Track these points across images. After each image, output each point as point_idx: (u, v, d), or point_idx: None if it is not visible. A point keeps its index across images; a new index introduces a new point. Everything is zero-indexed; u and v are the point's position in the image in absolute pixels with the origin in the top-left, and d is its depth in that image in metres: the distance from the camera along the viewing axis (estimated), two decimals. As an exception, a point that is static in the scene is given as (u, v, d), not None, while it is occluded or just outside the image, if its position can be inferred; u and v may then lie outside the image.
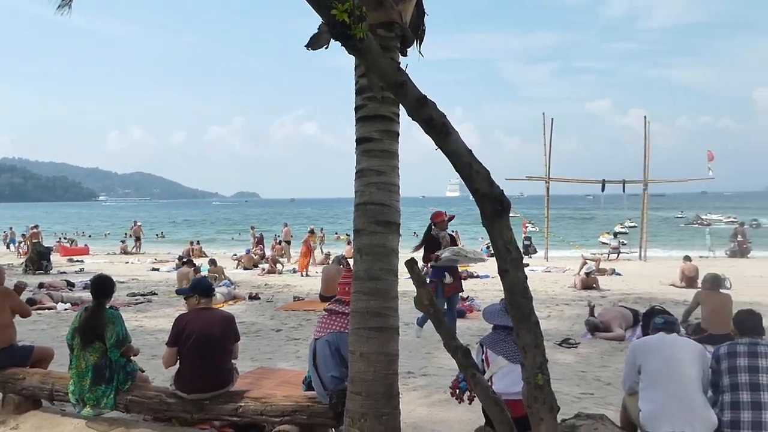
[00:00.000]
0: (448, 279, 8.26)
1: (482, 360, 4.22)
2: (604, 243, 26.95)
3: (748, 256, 25.78)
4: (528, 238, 27.23)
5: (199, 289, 4.79)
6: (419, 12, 4.41)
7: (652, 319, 4.60)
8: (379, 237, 3.88)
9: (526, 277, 3.00)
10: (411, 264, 3.30)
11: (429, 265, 8.49)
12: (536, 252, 25.91)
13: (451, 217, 9.01)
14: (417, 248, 8.99)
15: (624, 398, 4.40)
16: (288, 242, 26.18)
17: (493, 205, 2.85)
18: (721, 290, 8.90)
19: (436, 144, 2.78)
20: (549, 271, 18.95)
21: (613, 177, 24.67)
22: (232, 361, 4.78)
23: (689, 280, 14.66)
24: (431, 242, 8.51)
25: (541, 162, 24.10)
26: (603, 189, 24.53)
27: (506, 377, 4.03)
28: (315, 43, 3.88)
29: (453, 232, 12.63)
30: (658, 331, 4.35)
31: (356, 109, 4.06)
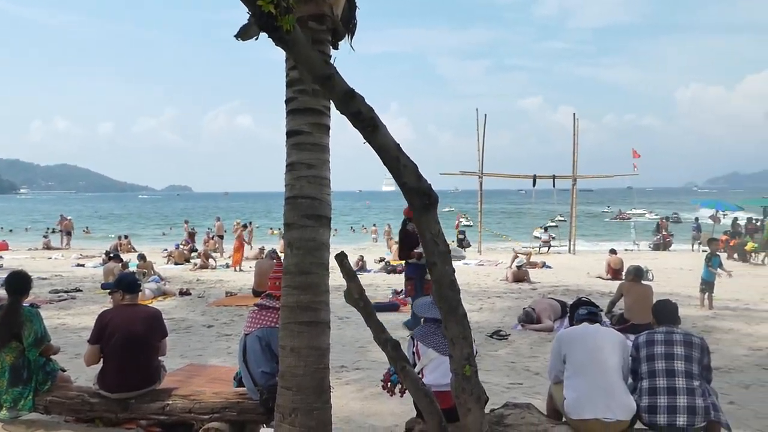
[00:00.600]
0: (428, 276, 8.01)
1: (413, 353, 4.25)
2: (537, 237, 27.64)
3: (670, 248, 26.95)
4: (462, 232, 27.61)
5: (123, 284, 4.65)
6: (351, 5, 4.39)
7: (576, 311, 4.75)
8: (309, 231, 3.85)
9: (453, 270, 3.04)
10: (341, 258, 3.30)
11: (405, 262, 8.29)
12: (470, 246, 26.32)
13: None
14: (399, 247, 8.72)
15: (550, 387, 4.51)
16: (221, 237, 25.73)
17: (421, 198, 2.87)
18: (643, 281, 9.27)
19: (364, 138, 2.78)
20: (482, 265, 19.29)
21: (544, 172, 25.30)
22: (159, 358, 4.66)
23: (615, 272, 15.22)
24: (408, 238, 8.25)
25: (475, 157, 24.50)
26: (534, 184, 25.11)
27: (437, 369, 4.08)
28: (244, 33, 3.81)
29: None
30: (582, 322, 4.49)
31: (287, 101, 4.01)
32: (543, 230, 27.42)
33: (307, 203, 3.86)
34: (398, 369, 3.37)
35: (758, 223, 26.99)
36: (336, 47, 4.26)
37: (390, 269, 16.83)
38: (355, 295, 3.30)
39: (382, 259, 18.78)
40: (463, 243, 26.55)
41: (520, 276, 14.54)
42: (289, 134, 3.96)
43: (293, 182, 3.90)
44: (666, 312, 4.53)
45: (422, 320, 4.37)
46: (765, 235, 21.94)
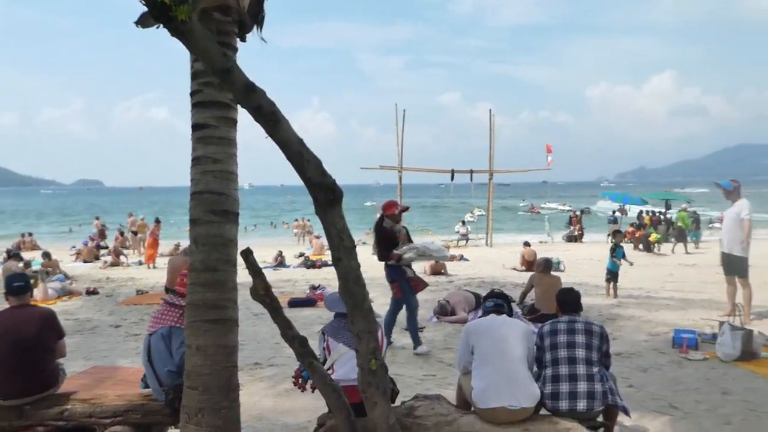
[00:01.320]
0: (410, 272, 7.48)
1: (324, 348, 4.25)
2: (456, 231, 28.17)
3: (582, 240, 28.06)
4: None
5: (6, 286, 4.42)
6: (258, -3, 4.33)
7: (484, 303, 4.87)
8: (216, 227, 3.77)
9: (359, 265, 3.05)
10: (246, 254, 3.25)
11: (384, 264, 7.59)
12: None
13: (405, 209, 8.02)
14: (375, 248, 7.85)
15: (459, 378, 4.61)
16: (134, 233, 24.88)
17: (325, 194, 2.86)
18: (553, 273, 9.61)
19: (266, 132, 2.74)
20: (401, 258, 19.49)
21: (463, 167, 25.82)
22: (58, 361, 4.45)
23: (529, 264, 15.71)
24: (386, 238, 7.53)
25: (396, 152, 24.71)
26: (452, 178, 25.57)
27: (347, 364, 4.08)
28: (144, 21, 3.68)
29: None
30: (489, 313, 4.61)
31: (191, 94, 3.91)
32: (461, 223, 27.97)
33: (213, 198, 3.78)
34: (306, 365, 3.36)
35: (661, 216, 28.51)
36: (244, 39, 4.19)
37: (309, 264, 16.76)
38: (261, 291, 3.26)
39: (301, 254, 18.66)
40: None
41: (437, 269, 14.77)
42: (195, 128, 3.87)
43: (199, 177, 3.81)
44: (569, 301, 4.71)
45: (333, 315, 4.37)
46: (678, 223, 23.20)
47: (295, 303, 10.28)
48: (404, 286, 7.44)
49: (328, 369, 4.15)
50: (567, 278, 13.60)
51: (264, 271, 4.66)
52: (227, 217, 3.82)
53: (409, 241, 7.73)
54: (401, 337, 7.97)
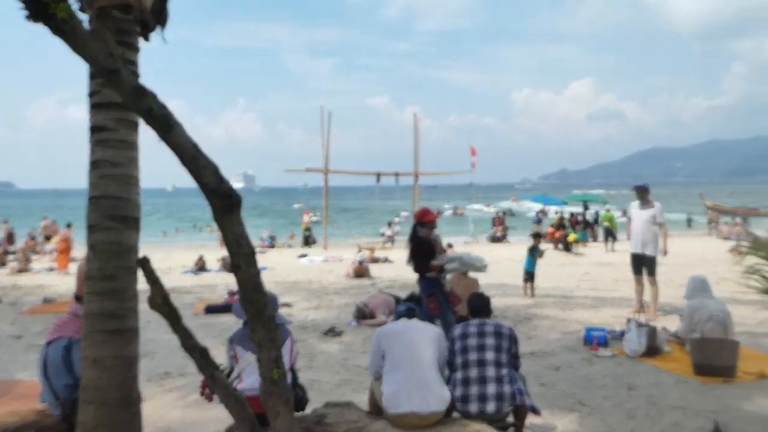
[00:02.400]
0: (448, 286, 7.05)
1: (231, 356, 4.15)
2: (382, 233, 28.26)
3: (506, 240, 28.67)
4: (308, 229, 27.62)
5: None
6: (162, -4, 4.19)
7: (397, 307, 4.90)
8: (115, 233, 3.62)
9: (258, 272, 2.98)
10: (142, 262, 3.13)
11: (419, 276, 7.08)
12: (316, 242, 26.38)
13: (439, 214, 7.77)
14: (410, 260, 7.33)
15: (371, 383, 4.60)
16: (48, 237, 23.75)
17: (222, 200, 2.78)
18: (474, 274, 9.74)
19: (158, 137, 2.64)
20: (327, 261, 19.38)
21: (392, 169, 25.95)
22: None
23: (450, 265, 15.92)
24: (424, 247, 6.98)
25: (322, 154, 24.58)
26: (378, 180, 25.67)
27: (254, 373, 3.98)
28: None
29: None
30: (401, 318, 4.64)
31: (90, 95, 3.74)
32: (387, 225, 28.10)
33: (112, 203, 3.63)
34: (208, 376, 3.26)
35: (580, 217, 29.49)
36: (147, 39, 4.05)
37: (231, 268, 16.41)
38: (159, 300, 3.14)
39: (223, 258, 18.21)
40: (309, 240, 26.55)
41: (361, 271, 14.76)
42: (93, 130, 3.71)
43: (97, 181, 3.66)
44: (478, 306, 4.81)
45: (242, 323, 4.27)
46: (605, 223, 24.45)
47: (212, 309, 10.03)
48: (442, 300, 6.92)
49: (236, 378, 4.05)
50: (489, 279, 13.86)
51: (184, 276, 4.49)
52: (127, 222, 3.68)
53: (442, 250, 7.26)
54: (320, 342, 7.91)
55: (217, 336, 8.12)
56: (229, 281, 14.22)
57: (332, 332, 8.30)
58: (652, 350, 6.88)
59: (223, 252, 22.76)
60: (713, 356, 6.13)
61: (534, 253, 11.54)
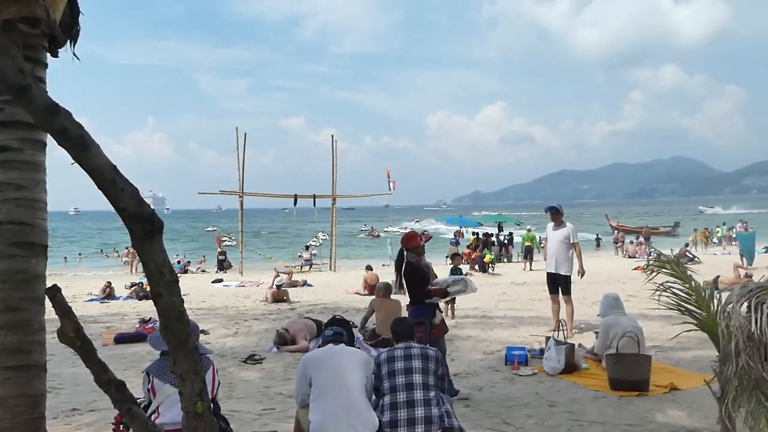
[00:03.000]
0: (438, 318, 6.62)
1: (148, 389, 3.92)
2: (300, 256, 27.96)
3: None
4: (223, 253, 26.95)
5: None
6: (73, 11, 3.99)
7: (323, 332, 4.80)
8: (19, 261, 3.38)
9: (182, 301, 2.82)
10: (52, 292, 2.91)
11: (410, 302, 6.64)
12: (231, 266, 25.78)
13: (428, 238, 7.17)
14: (400, 287, 6.81)
15: (297, 411, 4.47)
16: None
17: (142, 225, 2.62)
18: (392, 296, 9.73)
19: (72, 158, 2.47)
20: (243, 286, 18.94)
21: (309, 191, 25.82)
22: None
23: (371, 288, 15.86)
24: (419, 273, 6.56)
25: (237, 176, 24.16)
26: (295, 203, 25.48)
27: (175, 406, 3.78)
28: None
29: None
30: (328, 342, 4.55)
31: (-8, 113, 3.49)
32: (305, 249, 27.85)
33: (17, 229, 3.39)
34: (124, 412, 3.05)
35: (493, 238, 30.21)
36: (55, 55, 3.84)
37: (142, 295, 15.67)
38: (71, 333, 2.92)
39: (133, 284, 17.45)
40: (224, 264, 25.91)
41: (279, 296, 14.49)
42: (-5, 151, 3.46)
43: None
44: (401, 331, 4.78)
45: (159, 354, 4.06)
46: (526, 243, 25.36)
47: (122, 339, 9.53)
48: (427, 331, 6.43)
49: (153, 412, 3.83)
50: (408, 301, 13.92)
51: (89, 304, 4.22)
52: (33, 250, 3.44)
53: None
54: (240, 370, 7.66)
55: (128, 367, 7.72)
56: (141, 309, 13.63)
57: (252, 359, 8.06)
58: (571, 367, 7.05)
59: (134, 278, 21.87)
60: (628, 371, 6.34)
61: (455, 274, 11.67)
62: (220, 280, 20.52)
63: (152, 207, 2.67)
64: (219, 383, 4.15)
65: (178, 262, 25.84)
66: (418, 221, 77.51)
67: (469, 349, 8.69)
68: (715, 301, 3.95)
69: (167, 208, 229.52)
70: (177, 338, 2.81)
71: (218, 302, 14.70)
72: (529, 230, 27.30)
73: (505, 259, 29.09)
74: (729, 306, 3.37)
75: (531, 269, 22.82)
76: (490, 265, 22.87)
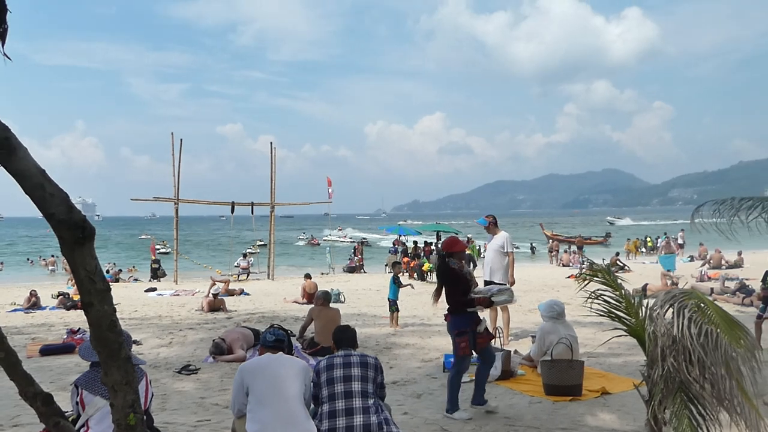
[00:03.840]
0: (482, 326, 6.24)
1: (77, 402, 3.79)
2: (237, 265, 27.51)
3: (363, 270, 28.98)
4: (157, 261, 26.28)
5: None
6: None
7: (264, 336, 4.74)
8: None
9: (114, 310, 2.74)
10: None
11: (449, 311, 6.25)
12: (165, 275, 25.16)
13: (469, 242, 6.69)
14: (437, 294, 6.40)
15: (234, 422, 4.39)
16: None
17: (73, 232, 2.53)
18: (332, 305, 9.70)
19: (-2, 162, 2.36)
20: (178, 295, 18.51)
21: (246, 198, 25.49)
22: None
23: (309, 296, 15.76)
24: (460, 281, 6.22)
25: (172, 182, 23.63)
26: (233, 211, 25.12)
27: (105, 419, 3.66)
28: None
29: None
30: (268, 348, 4.50)
31: None
32: (242, 257, 27.44)
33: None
34: (51, 426, 2.94)
35: (432, 246, 30.51)
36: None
37: (70, 305, 15.08)
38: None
39: (60, 294, 16.78)
40: (158, 273, 25.27)
41: (216, 305, 14.22)
42: None
43: None
44: (343, 338, 4.78)
45: (89, 365, 3.92)
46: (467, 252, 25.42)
47: (48, 350, 9.15)
48: (472, 341, 6.16)
49: (83, 426, 3.70)
50: (347, 309, 13.89)
51: (12, 314, 4.03)
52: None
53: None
54: (174, 381, 7.47)
55: (55, 380, 7.43)
56: (69, 319, 13.14)
57: (187, 370, 7.87)
58: (507, 373, 7.18)
59: (61, 287, 21.06)
60: (562, 377, 6.50)
61: (397, 282, 11.71)
62: (154, 289, 19.98)
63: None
64: (152, 394, 4.05)
65: (107, 271, 25.03)
66: (340, 230, 77.76)
67: (408, 356, 8.74)
68: (643, 308, 4.10)
69: (98, 215, 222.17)
70: (108, 348, 2.73)
71: (152, 312, 14.31)
72: (470, 239, 27.71)
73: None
74: (654, 312, 3.50)
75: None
76: (429, 274, 23.07)
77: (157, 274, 25.34)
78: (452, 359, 7.67)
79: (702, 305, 3.41)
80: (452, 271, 6.26)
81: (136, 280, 25.59)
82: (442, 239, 32.17)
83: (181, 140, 23.79)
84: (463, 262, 6.45)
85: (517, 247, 40.97)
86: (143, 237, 63.82)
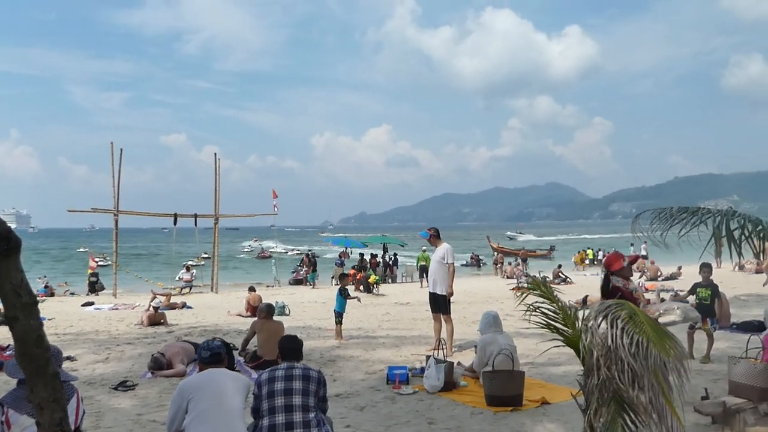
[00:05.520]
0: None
1: (2, 422, 3.62)
2: (179, 278, 26.91)
3: (311, 283, 28.69)
4: (95, 275, 25.47)
5: None
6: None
7: (200, 355, 4.64)
8: None
9: (41, 324, 2.64)
10: None
11: None
12: (104, 289, 24.42)
13: (635, 258, 6.51)
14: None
15: (170, 440, 4.28)
16: None
17: (-3, 243, 2.43)
18: (275, 317, 9.61)
19: None
20: (117, 309, 17.96)
21: (191, 209, 25.02)
22: None
23: (254, 309, 15.52)
24: (627, 299, 5.70)
25: (112, 193, 23.00)
26: (175, 222, 24.64)
27: (32, 438, 3.53)
28: None
29: None
30: (206, 364, 4.41)
31: None
32: (185, 269, 26.89)
33: None
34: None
35: (379, 258, 30.56)
36: None
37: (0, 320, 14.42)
38: None
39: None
40: (96, 286, 24.51)
41: (156, 319, 13.86)
42: None
43: None
44: (290, 348, 4.72)
45: (16, 382, 3.76)
46: (421, 262, 26.46)
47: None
48: None
49: (7, 447, 3.54)
50: (292, 322, 13.77)
51: None
52: None
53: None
54: (110, 398, 7.23)
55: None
56: None
57: (124, 386, 7.64)
58: (450, 385, 7.22)
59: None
60: (503, 387, 6.59)
61: (344, 294, 11.66)
62: (91, 303, 19.34)
63: (15, 225, 2.49)
64: (84, 412, 3.91)
65: (45, 286, 24.13)
66: (256, 240, 77.36)
67: (352, 369, 8.70)
68: (580, 319, 4.19)
69: (32, 227, 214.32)
70: (35, 364, 2.63)
71: (88, 326, 13.84)
72: (424, 250, 27.90)
73: (390, 280, 29.49)
74: (589, 323, 3.58)
75: (427, 287, 23.34)
76: (375, 286, 23.08)
77: (95, 287, 24.55)
78: (396, 371, 7.72)
79: (633, 316, 3.51)
80: (615, 288, 5.96)
81: (72, 294, 24.75)
82: (389, 251, 32.17)
83: (122, 150, 23.23)
84: (630, 279, 6.19)
85: (474, 264, 41.45)
86: (81, 250, 61.86)
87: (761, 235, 4.66)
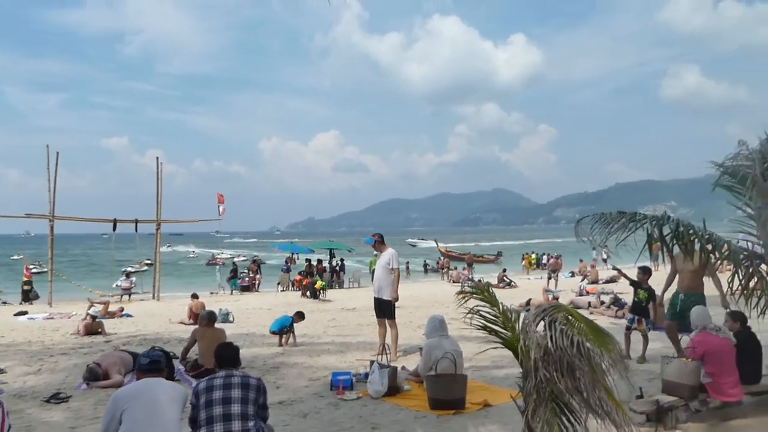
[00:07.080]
0: None
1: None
2: (118, 285, 26.15)
3: (257, 290, 28.30)
4: (29, 283, 24.47)
5: None
6: None
7: (138, 364, 4.51)
8: None
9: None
10: None
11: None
12: (38, 297, 23.50)
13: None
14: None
15: (103, 452, 4.13)
16: None
17: None
18: (217, 325, 9.41)
19: None
20: (52, 318, 17.30)
21: (132, 215, 24.41)
22: None
23: (196, 317, 15.20)
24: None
25: (48, 198, 22.21)
26: (114, 228, 23.99)
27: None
28: None
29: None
30: (144, 372, 4.30)
31: None
32: (125, 276, 26.17)
33: None
34: None
35: (325, 264, 30.39)
36: None
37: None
38: None
39: None
40: (29, 295, 23.57)
41: (93, 328, 13.38)
42: None
43: None
44: (226, 356, 4.64)
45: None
46: (372, 267, 25.63)
47: None
48: None
49: None
50: (236, 329, 13.55)
51: None
52: None
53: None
54: (41, 411, 6.94)
55: None
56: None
57: (56, 398, 7.34)
58: (394, 389, 7.21)
59: None
60: (446, 390, 6.62)
61: (292, 322, 11.50)
62: (25, 313, 18.60)
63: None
64: (9, 426, 3.74)
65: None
66: (169, 246, 75.94)
67: (296, 376, 8.60)
68: (519, 322, 4.24)
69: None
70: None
71: (20, 337, 13.29)
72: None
73: (337, 285, 29.36)
74: (527, 325, 3.63)
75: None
76: (321, 292, 22.93)
77: (29, 296, 23.58)
78: (340, 377, 7.67)
79: (570, 317, 3.57)
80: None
81: (5, 303, 23.74)
82: (336, 256, 32.00)
83: (57, 153, 22.42)
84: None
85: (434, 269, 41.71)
86: (16, 257, 59.57)
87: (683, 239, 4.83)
